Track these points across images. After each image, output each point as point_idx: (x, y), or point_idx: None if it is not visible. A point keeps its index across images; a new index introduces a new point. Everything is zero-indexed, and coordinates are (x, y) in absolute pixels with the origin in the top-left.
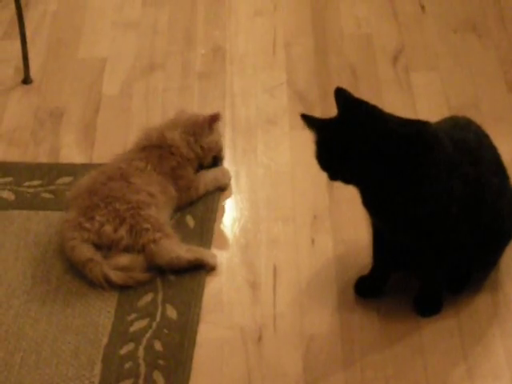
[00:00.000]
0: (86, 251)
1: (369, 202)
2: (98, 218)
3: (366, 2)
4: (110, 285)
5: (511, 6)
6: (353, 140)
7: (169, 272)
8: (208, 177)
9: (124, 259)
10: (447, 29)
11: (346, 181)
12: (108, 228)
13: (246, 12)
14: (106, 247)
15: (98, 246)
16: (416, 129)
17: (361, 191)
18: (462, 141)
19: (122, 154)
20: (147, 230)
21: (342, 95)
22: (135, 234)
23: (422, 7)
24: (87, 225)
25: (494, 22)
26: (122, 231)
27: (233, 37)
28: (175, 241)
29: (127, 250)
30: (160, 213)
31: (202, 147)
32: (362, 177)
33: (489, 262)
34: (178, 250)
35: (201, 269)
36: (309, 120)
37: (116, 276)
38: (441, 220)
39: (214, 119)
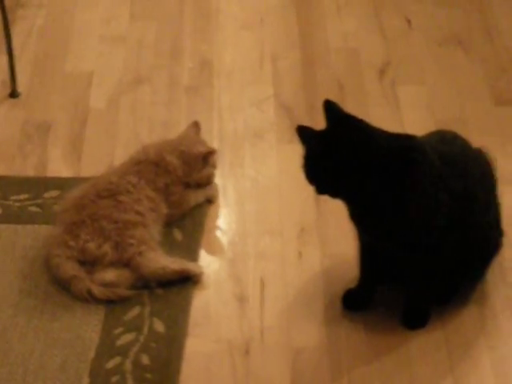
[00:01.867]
0: (70, 268)
1: (356, 216)
2: (82, 235)
3: (352, 17)
4: (94, 300)
5: (496, 20)
6: (340, 154)
7: (156, 285)
8: (197, 190)
9: (110, 275)
10: (433, 43)
11: (333, 194)
12: (91, 245)
13: (233, 26)
14: (90, 263)
15: (83, 262)
16: (403, 143)
17: (348, 205)
18: (449, 154)
19: (115, 167)
20: (132, 244)
21: (330, 108)
22: (120, 249)
23: (408, 21)
24: (72, 243)
25: (479, 36)
26: (106, 247)
27: (220, 50)
28: (160, 253)
29: (112, 265)
30: (147, 231)
31: (192, 178)
32: (349, 190)
33: (475, 275)
34: (163, 260)
35: (188, 282)
36: (304, 131)
37: (99, 292)
38: (428, 233)
39: (208, 155)
